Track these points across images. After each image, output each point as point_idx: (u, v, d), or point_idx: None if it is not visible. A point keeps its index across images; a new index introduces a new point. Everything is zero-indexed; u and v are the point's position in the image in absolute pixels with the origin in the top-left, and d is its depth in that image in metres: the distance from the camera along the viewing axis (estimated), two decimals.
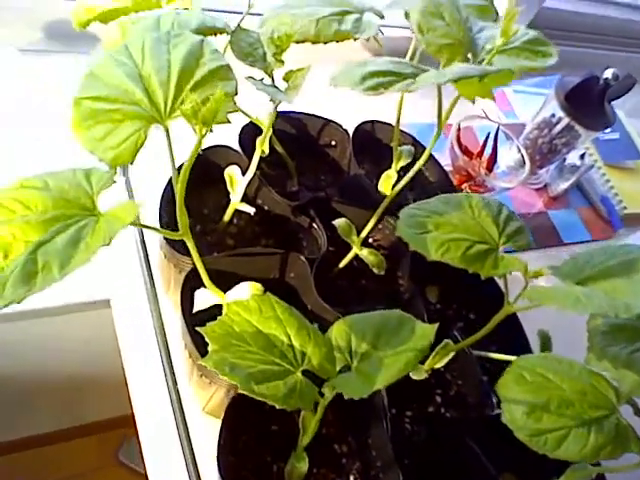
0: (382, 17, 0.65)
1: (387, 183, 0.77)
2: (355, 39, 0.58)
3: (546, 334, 0.67)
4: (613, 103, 1.07)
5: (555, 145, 1.10)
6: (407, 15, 0.64)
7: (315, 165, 0.84)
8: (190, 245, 0.46)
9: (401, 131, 0.86)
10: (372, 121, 0.87)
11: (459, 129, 1.00)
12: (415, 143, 0.88)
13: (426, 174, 0.92)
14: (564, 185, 1.16)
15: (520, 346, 0.76)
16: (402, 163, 0.79)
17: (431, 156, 0.92)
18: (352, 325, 0.53)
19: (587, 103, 1.04)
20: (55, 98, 0.97)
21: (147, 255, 0.73)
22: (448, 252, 0.51)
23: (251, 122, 0.68)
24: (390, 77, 0.44)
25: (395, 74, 0.45)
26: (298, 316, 0.53)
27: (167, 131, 0.43)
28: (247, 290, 0.54)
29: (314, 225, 0.72)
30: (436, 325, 0.51)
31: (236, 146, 0.73)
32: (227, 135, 0.72)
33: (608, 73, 1.02)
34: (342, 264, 0.72)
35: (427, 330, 0.51)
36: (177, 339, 0.71)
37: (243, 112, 0.62)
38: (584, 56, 1.74)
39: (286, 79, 0.55)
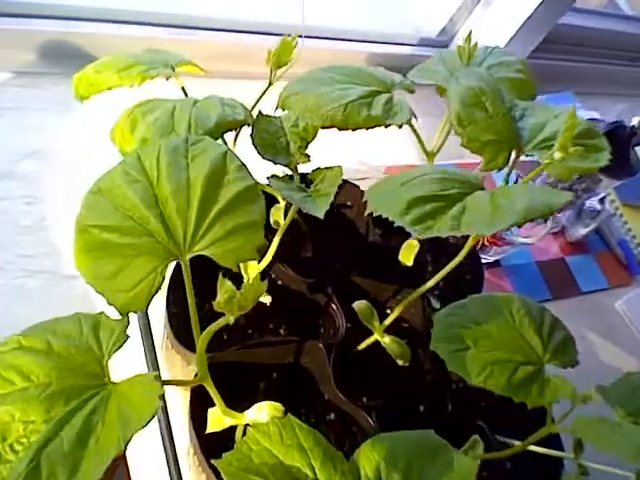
0: (412, 92, 0.59)
1: (408, 253, 0.72)
2: (386, 126, 0.53)
3: None
4: None
5: (575, 190, 1.06)
6: (440, 90, 0.59)
7: (330, 227, 0.79)
8: (211, 391, 0.41)
9: None
10: None
11: None
12: None
13: None
14: (583, 231, 1.11)
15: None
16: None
17: None
18: (381, 451, 0.49)
19: (611, 151, 0.99)
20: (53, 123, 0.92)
21: (150, 332, 0.67)
22: (491, 377, 0.46)
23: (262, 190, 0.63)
24: (437, 203, 0.39)
25: (442, 198, 0.40)
26: (322, 442, 0.48)
27: (187, 267, 0.38)
28: (266, 411, 0.49)
29: (332, 305, 0.67)
30: (476, 462, 0.46)
31: None
32: None
33: (635, 120, 0.97)
34: (361, 347, 0.68)
35: (467, 466, 0.46)
36: (181, 425, 0.66)
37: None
38: (599, 72, 1.69)
39: (313, 178, 0.49)
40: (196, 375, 0.41)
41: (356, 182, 0.81)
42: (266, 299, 0.59)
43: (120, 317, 0.36)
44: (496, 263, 1.03)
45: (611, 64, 1.73)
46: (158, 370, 0.65)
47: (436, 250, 0.85)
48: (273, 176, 0.48)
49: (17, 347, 0.34)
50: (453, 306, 0.53)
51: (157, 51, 0.59)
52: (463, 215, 0.38)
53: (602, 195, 1.12)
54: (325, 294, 0.68)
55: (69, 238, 0.40)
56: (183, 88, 0.57)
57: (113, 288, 0.36)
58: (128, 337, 0.35)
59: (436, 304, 0.79)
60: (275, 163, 0.49)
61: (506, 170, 0.50)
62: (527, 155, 0.51)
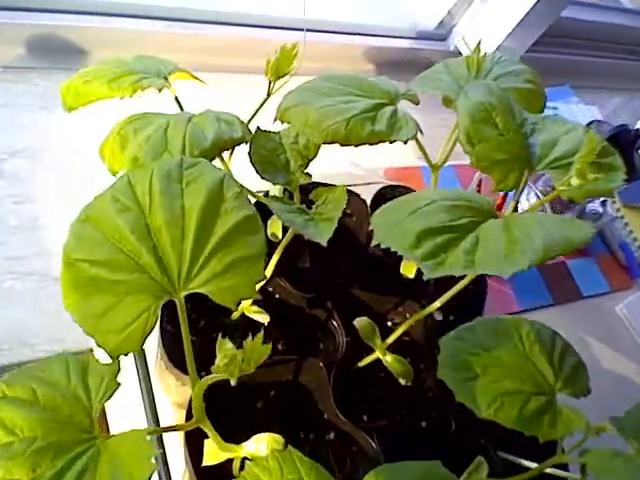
0: (417, 103, 0.57)
1: (410, 266, 0.70)
2: (391, 142, 0.50)
3: None
4: None
5: None
6: (447, 101, 0.56)
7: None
8: (208, 431, 0.39)
9: None
10: (392, 186, 0.79)
11: (480, 183, 0.93)
12: None
13: None
14: None
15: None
16: None
17: None
18: None
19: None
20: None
21: (148, 373, 0.64)
22: (502, 410, 0.44)
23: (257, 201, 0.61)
24: (448, 235, 0.37)
25: (453, 229, 0.37)
26: (325, 476, 0.46)
27: (182, 305, 0.36)
28: (265, 443, 0.46)
29: (332, 320, 0.65)
30: None
31: None
32: None
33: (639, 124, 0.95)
34: (362, 364, 0.65)
35: None
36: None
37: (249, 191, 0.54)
38: (596, 65, 1.67)
39: (315, 198, 0.47)
40: (189, 414, 0.38)
41: (356, 188, 0.79)
42: (263, 318, 0.57)
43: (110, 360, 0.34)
44: None
45: (608, 57, 1.70)
46: (157, 421, 0.62)
47: None
48: (272, 196, 0.45)
49: (0, 397, 0.31)
50: (460, 329, 0.51)
51: (149, 58, 0.56)
52: (477, 250, 0.36)
53: (604, 198, 1.10)
54: (325, 309, 0.66)
55: (61, 238, 0.38)
56: (177, 98, 0.54)
57: (103, 329, 0.34)
58: (119, 385, 0.33)
59: (438, 316, 0.77)
60: (274, 183, 0.46)
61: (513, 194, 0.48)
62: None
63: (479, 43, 0.53)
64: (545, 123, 0.53)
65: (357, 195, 0.75)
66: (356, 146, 0.50)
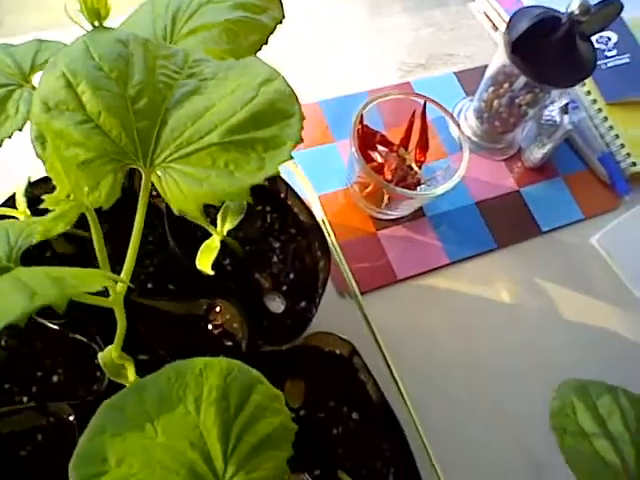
0: None
1: (207, 258, 0.56)
2: None
3: None
4: None
5: (518, 106, 0.81)
6: None
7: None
8: None
9: None
10: None
11: (361, 122, 0.73)
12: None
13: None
14: (539, 153, 0.87)
15: None
16: (229, 226, 0.56)
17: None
18: None
19: (546, 51, 0.73)
20: None
21: None
22: None
23: None
24: None
25: None
26: None
27: None
28: None
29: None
30: None
31: None
32: None
33: (574, 6, 0.70)
34: None
35: None
36: None
37: None
38: None
39: None
40: None
41: None
42: None
43: None
44: (419, 213, 0.82)
45: None
46: None
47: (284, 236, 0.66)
48: None
49: None
50: (125, 392, 0.37)
51: None
52: None
53: (565, 102, 0.86)
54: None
55: None
56: None
57: None
58: None
59: (277, 305, 0.62)
60: None
61: None
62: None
63: None
64: (227, 75, 0.36)
65: None
66: None
